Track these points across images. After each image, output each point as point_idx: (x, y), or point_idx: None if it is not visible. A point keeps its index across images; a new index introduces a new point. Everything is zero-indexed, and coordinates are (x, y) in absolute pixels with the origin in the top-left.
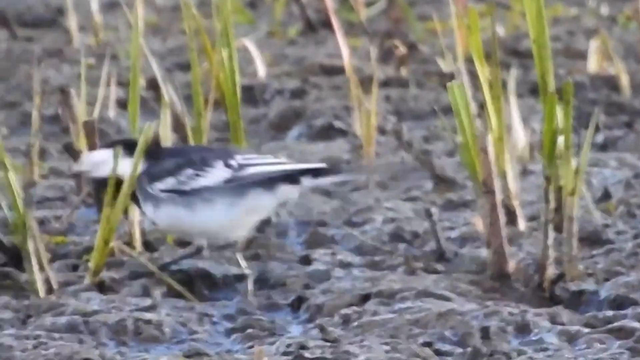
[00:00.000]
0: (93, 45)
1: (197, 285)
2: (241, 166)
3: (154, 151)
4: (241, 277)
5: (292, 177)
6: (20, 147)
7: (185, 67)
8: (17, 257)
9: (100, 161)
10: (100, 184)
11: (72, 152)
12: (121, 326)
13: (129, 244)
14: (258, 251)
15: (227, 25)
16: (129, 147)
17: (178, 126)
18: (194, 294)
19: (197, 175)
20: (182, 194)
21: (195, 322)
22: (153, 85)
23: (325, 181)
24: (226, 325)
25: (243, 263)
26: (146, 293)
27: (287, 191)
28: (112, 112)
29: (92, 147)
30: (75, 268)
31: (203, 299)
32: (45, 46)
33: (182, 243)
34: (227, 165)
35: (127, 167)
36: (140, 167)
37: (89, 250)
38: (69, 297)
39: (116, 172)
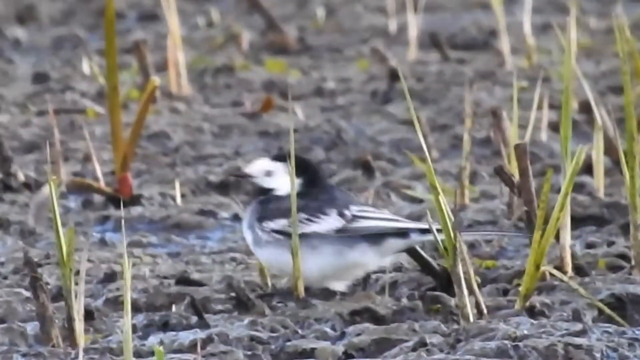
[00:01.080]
0: (525, 68)
1: (629, 309)
2: (354, 218)
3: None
4: None
5: (401, 232)
6: (451, 170)
7: (618, 90)
8: (446, 281)
9: (269, 171)
10: (259, 192)
11: (503, 176)
12: (551, 351)
13: (560, 268)
14: None
15: None
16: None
17: (610, 150)
18: (625, 319)
19: (309, 220)
20: (289, 237)
21: (626, 347)
22: (586, 108)
23: (431, 237)
24: None
25: None
26: (577, 318)
27: (394, 244)
28: (544, 135)
29: (523, 171)
30: (505, 292)
31: (635, 323)
32: (477, 68)
33: (614, 267)
34: (341, 215)
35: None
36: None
37: (519, 274)
38: (498, 322)
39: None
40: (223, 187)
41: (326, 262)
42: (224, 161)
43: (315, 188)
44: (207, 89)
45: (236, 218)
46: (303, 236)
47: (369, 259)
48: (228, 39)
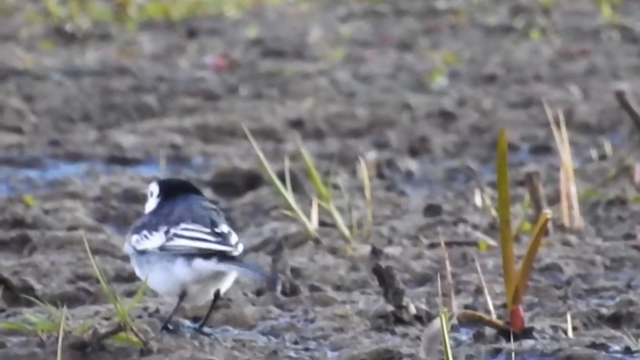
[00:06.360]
0: None
1: None
2: (174, 236)
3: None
4: None
5: (206, 254)
6: None
7: None
8: None
9: (151, 192)
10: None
11: None
12: None
13: None
14: None
15: None
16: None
17: None
18: None
19: (146, 237)
20: (137, 253)
21: None
22: None
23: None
24: None
25: None
26: None
27: (201, 265)
28: None
29: None
30: None
31: None
32: None
33: None
34: (166, 233)
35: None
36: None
37: None
38: None
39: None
40: (615, 320)
41: (157, 276)
42: (616, 294)
43: (169, 205)
44: (599, 222)
45: (627, 351)
46: (142, 252)
47: (183, 275)
48: (620, 172)
